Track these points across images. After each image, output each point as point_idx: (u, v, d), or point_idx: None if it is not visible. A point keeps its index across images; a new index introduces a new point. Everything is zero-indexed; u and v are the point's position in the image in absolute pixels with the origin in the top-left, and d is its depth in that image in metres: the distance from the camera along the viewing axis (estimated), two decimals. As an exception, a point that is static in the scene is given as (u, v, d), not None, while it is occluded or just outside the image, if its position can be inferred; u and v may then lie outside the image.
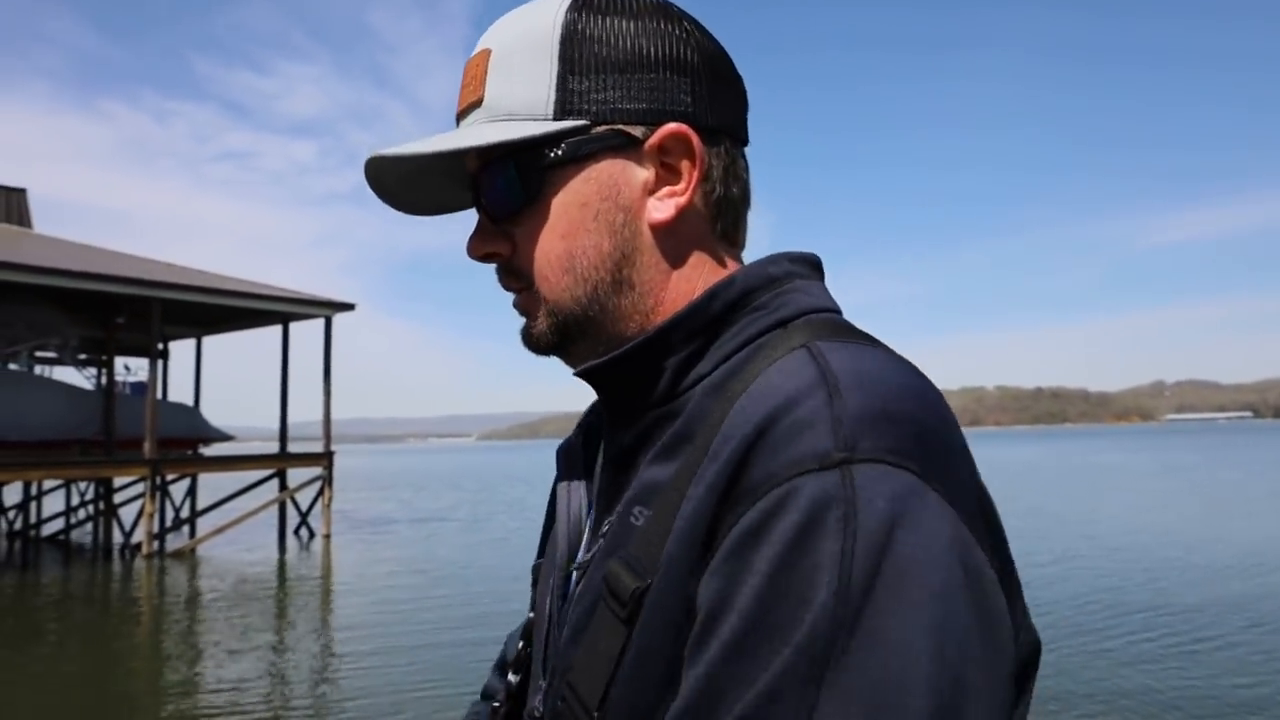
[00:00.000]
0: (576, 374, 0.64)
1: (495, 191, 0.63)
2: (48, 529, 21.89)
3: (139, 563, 16.02)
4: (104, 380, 21.65)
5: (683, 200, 0.62)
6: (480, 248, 0.66)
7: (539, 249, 0.63)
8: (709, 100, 0.63)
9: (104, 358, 22.19)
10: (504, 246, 0.65)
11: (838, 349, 0.54)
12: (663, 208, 0.62)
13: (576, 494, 0.70)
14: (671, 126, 0.61)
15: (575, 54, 0.61)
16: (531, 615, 0.74)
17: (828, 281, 0.67)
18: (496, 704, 0.76)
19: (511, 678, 0.75)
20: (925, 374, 0.56)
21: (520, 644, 0.76)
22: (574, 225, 0.62)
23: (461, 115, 0.65)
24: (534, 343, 0.66)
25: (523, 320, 0.67)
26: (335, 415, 20.54)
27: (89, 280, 15.54)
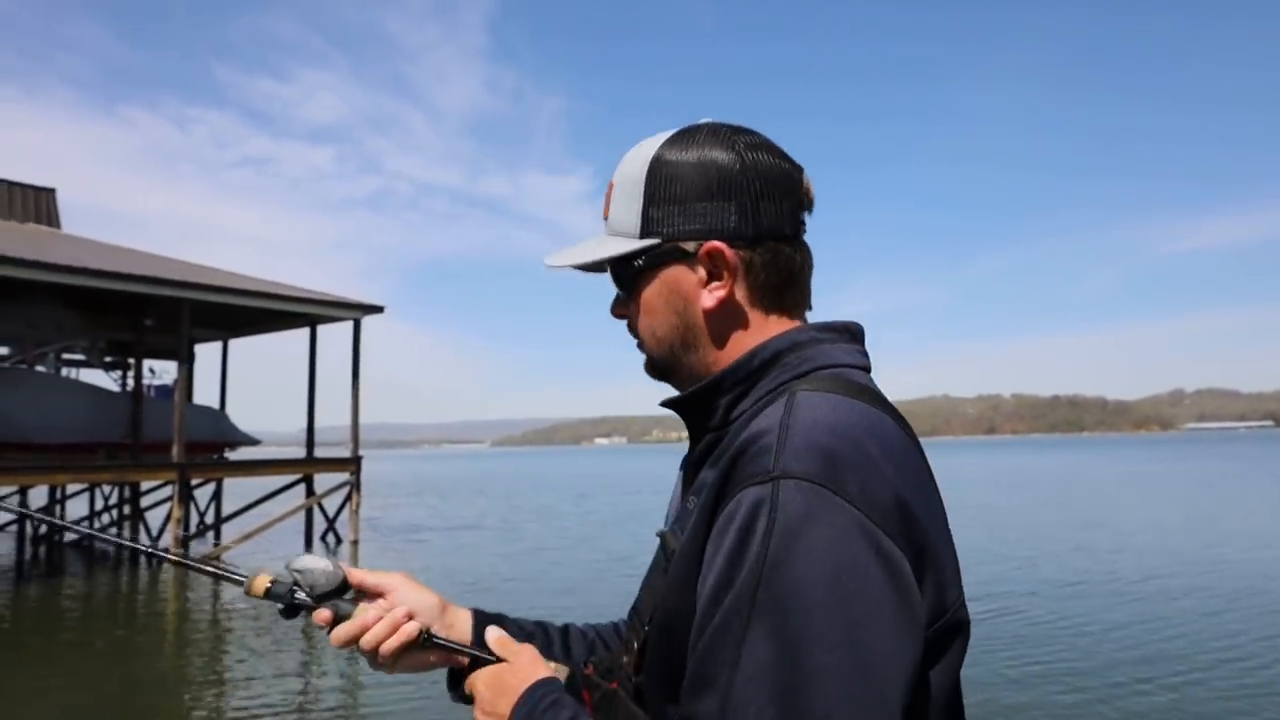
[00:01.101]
0: (662, 404, 0.92)
1: (618, 281, 0.94)
2: (71, 534, 21.54)
3: (166, 569, 15.72)
4: (130, 383, 21.43)
5: (723, 293, 0.87)
6: (616, 311, 0.97)
7: (640, 322, 0.93)
8: (753, 215, 0.86)
9: (130, 360, 21.98)
10: (628, 312, 0.96)
11: (811, 399, 0.78)
12: (710, 298, 0.88)
13: (679, 485, 0.97)
14: (711, 244, 0.86)
15: (654, 189, 0.88)
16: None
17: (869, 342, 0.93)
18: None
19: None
20: (875, 417, 0.79)
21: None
22: (654, 309, 0.91)
23: (605, 218, 0.95)
24: (647, 372, 0.96)
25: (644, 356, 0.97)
26: (342, 421, 20.22)
27: (118, 281, 15.27)
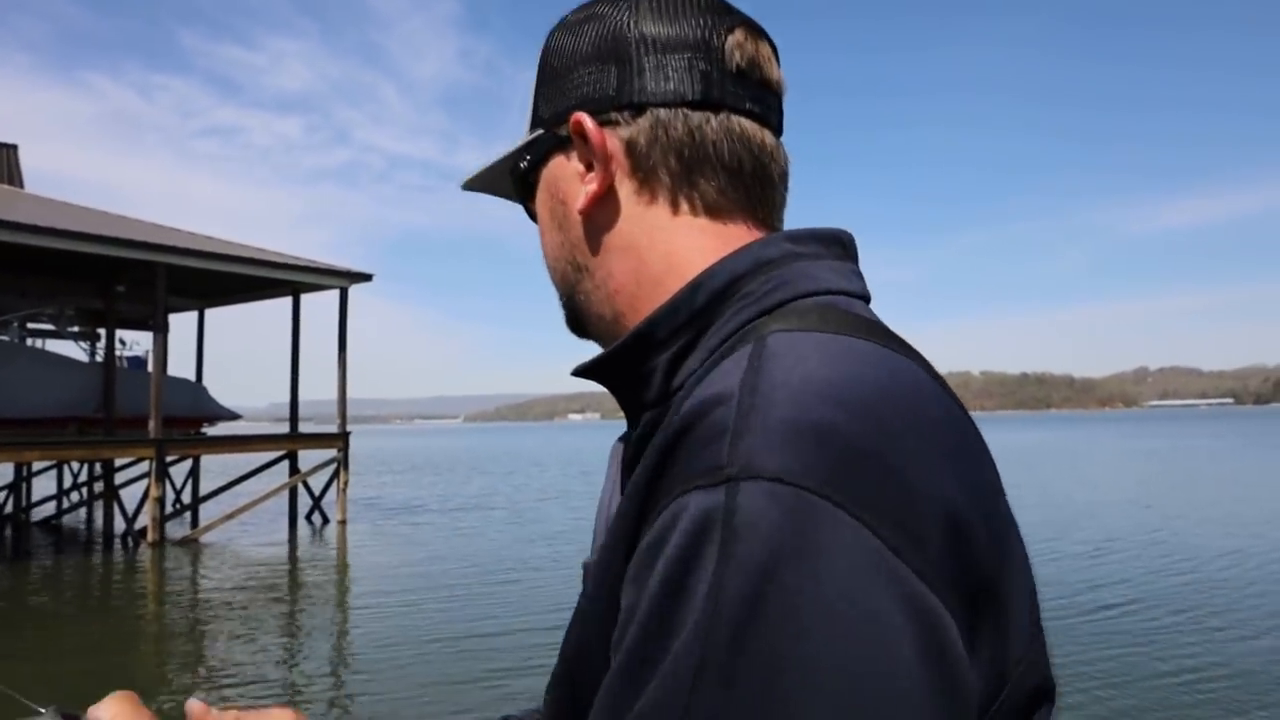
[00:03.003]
0: (574, 373, 0.63)
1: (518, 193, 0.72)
2: (38, 513, 20.53)
3: (143, 551, 14.83)
4: (100, 354, 20.31)
5: (593, 187, 0.62)
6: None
7: (542, 248, 0.70)
8: (635, 74, 0.61)
9: (99, 329, 20.83)
10: None
11: (791, 344, 0.49)
12: (581, 196, 0.63)
13: (615, 483, 0.69)
14: (572, 117, 0.62)
15: (542, 70, 0.67)
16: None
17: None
18: None
19: None
20: (898, 368, 0.50)
21: None
22: (543, 223, 0.68)
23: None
24: (567, 327, 0.70)
25: None
26: (314, 396, 19.30)
27: (89, 243, 14.17)
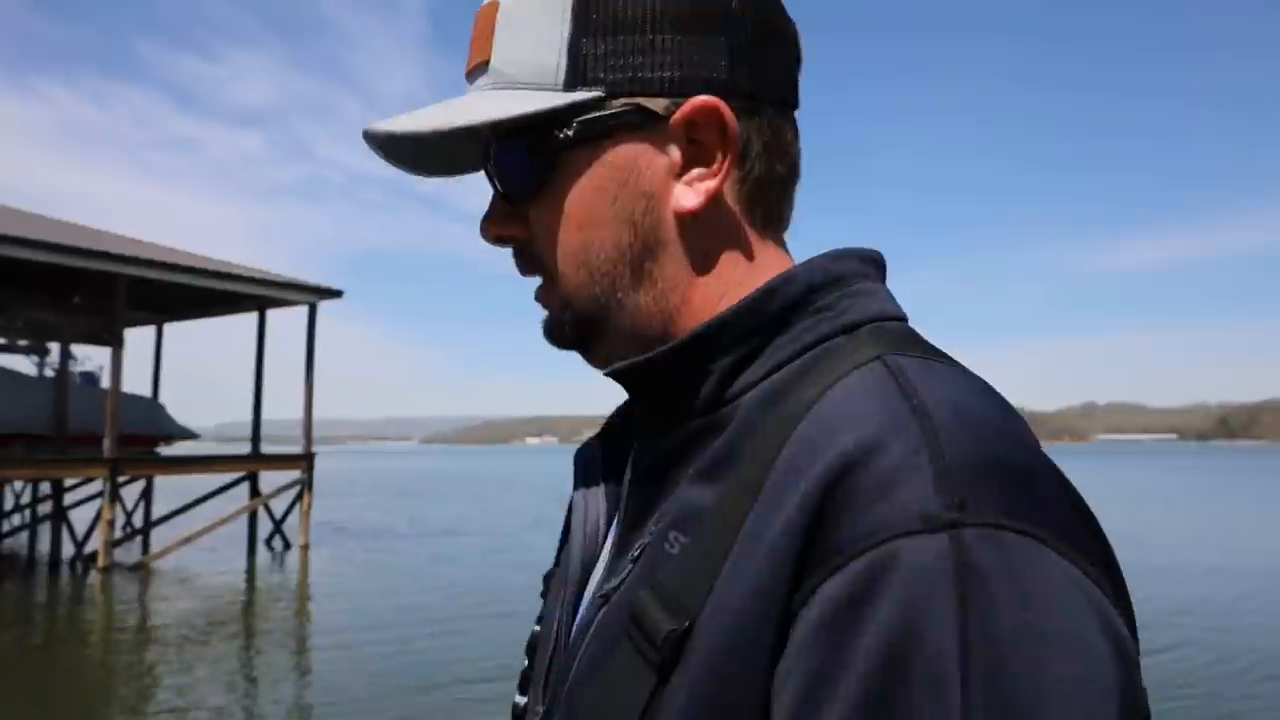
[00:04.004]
0: (607, 374, 0.56)
1: (507, 171, 0.56)
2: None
3: (93, 577, 14.01)
4: (48, 368, 19.41)
5: (713, 185, 0.54)
6: (493, 229, 0.58)
7: (553, 240, 0.56)
8: (750, 62, 0.54)
9: (48, 343, 19.92)
10: (519, 230, 0.58)
11: (920, 370, 0.47)
12: (691, 194, 0.54)
13: (595, 504, 0.63)
14: (700, 100, 0.53)
15: (590, 10, 0.53)
16: (536, 629, 0.65)
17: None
18: None
19: (518, 699, 0.65)
20: (1007, 402, 0.49)
21: (526, 661, 0.66)
22: (589, 214, 0.55)
23: (470, 75, 0.57)
24: (552, 337, 0.60)
25: (544, 312, 0.60)
26: (266, 415, 18.65)
27: (46, 251, 13.48)
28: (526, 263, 0.59)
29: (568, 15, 0.53)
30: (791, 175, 0.58)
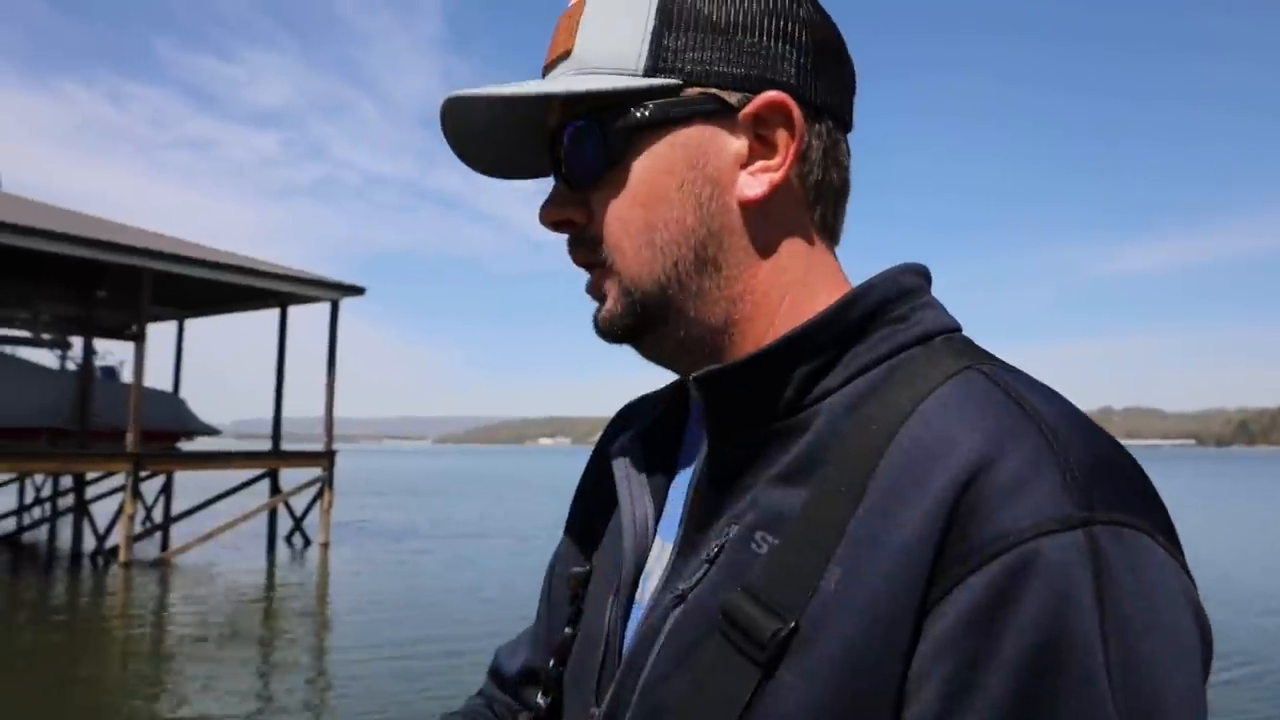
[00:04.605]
0: (696, 379, 0.55)
1: (574, 151, 0.57)
2: (-2, 528, 19.44)
3: (114, 571, 13.96)
4: (70, 362, 19.44)
5: (777, 176, 0.56)
6: (554, 214, 0.60)
7: (617, 217, 0.57)
8: (815, 76, 0.58)
9: (68, 337, 19.94)
10: (580, 214, 0.59)
11: (1013, 379, 0.50)
12: (755, 183, 0.56)
13: (641, 504, 0.63)
14: (771, 94, 0.56)
15: (674, 8, 0.56)
16: (568, 631, 0.66)
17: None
18: None
19: (541, 700, 0.66)
20: None
21: (551, 662, 0.66)
22: (657, 194, 0.57)
23: (548, 69, 0.60)
24: (607, 326, 0.60)
25: (595, 304, 0.61)
26: (284, 413, 18.49)
27: (72, 245, 13.44)
28: (583, 249, 0.60)
29: (652, 11, 0.55)
30: (844, 188, 0.61)
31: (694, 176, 0.56)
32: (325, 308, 18.01)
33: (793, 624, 0.47)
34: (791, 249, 0.58)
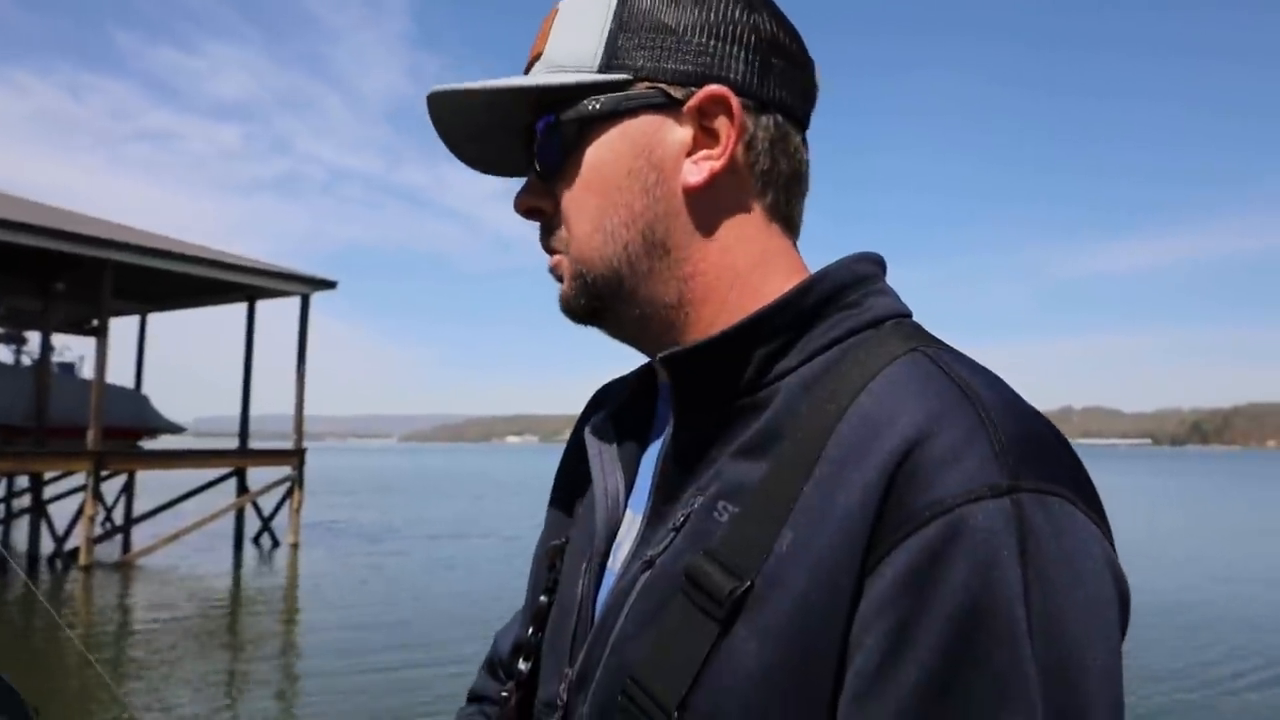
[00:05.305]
0: (660, 359, 0.61)
1: (541, 144, 0.63)
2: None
3: (74, 574, 13.43)
4: (25, 357, 18.74)
5: (717, 165, 0.60)
6: (525, 202, 0.65)
7: (573, 202, 0.62)
8: (762, 74, 0.61)
9: (24, 331, 19.23)
10: (547, 203, 0.65)
11: (955, 361, 0.54)
12: (697, 170, 0.60)
13: (613, 477, 0.67)
14: (712, 88, 0.60)
15: (630, 13, 0.61)
16: (544, 600, 0.70)
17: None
18: (505, 694, 0.71)
19: (523, 665, 0.70)
20: None
21: (529, 630, 0.70)
22: (607, 181, 0.61)
23: (527, 69, 0.65)
24: (565, 306, 0.65)
25: (559, 287, 0.66)
26: (237, 410, 17.98)
27: (31, 235, 12.89)
28: (547, 235, 0.65)
29: (610, 15, 0.61)
30: (796, 178, 0.64)
31: (641, 164, 0.60)
32: (292, 302, 17.58)
33: (748, 583, 0.51)
34: (740, 233, 0.61)
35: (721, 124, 0.59)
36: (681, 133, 0.60)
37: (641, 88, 0.60)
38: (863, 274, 0.61)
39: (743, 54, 0.60)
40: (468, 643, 9.04)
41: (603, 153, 0.61)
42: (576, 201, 0.62)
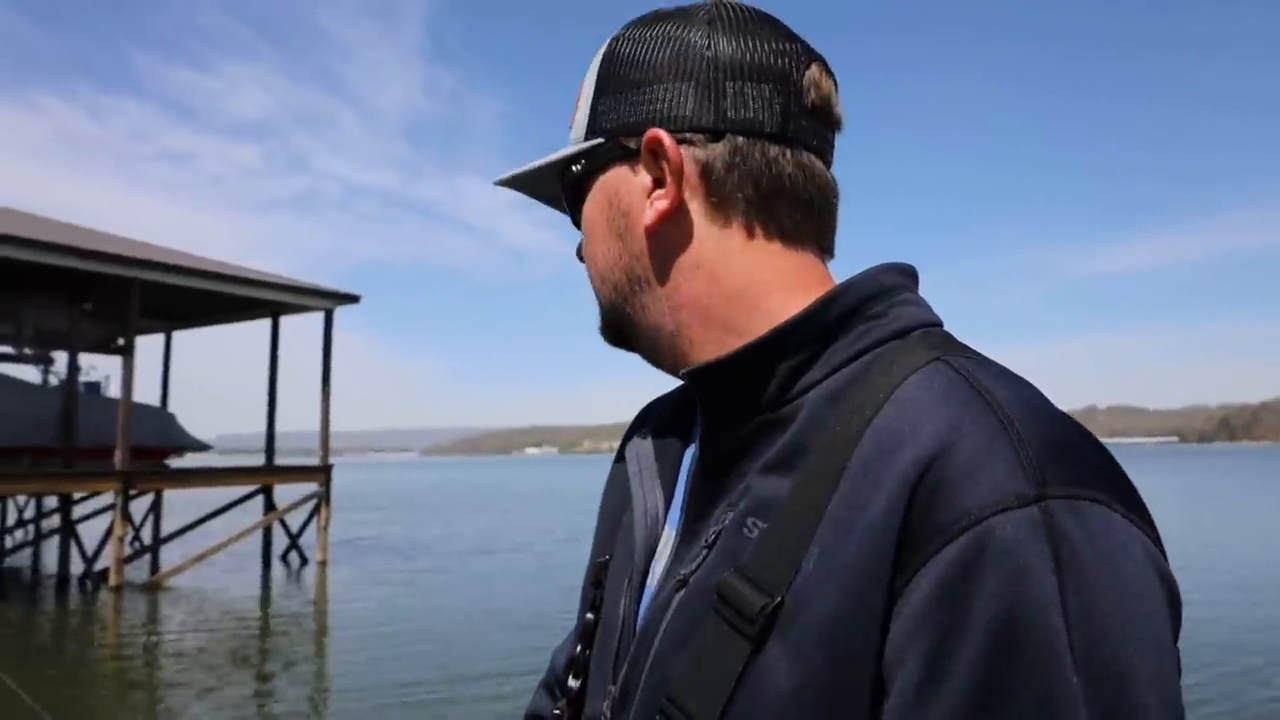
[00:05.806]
0: (683, 374, 0.63)
1: (566, 204, 0.72)
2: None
3: (104, 596, 13.33)
4: (52, 377, 18.75)
5: (663, 204, 0.62)
6: (579, 251, 0.72)
7: (586, 251, 0.70)
8: (715, 101, 0.62)
9: (52, 351, 19.25)
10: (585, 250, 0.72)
11: (978, 368, 0.54)
12: (650, 211, 0.63)
13: (652, 495, 0.68)
14: (649, 133, 0.62)
15: (605, 78, 0.66)
16: (590, 617, 0.71)
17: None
18: (557, 711, 0.72)
19: (573, 682, 0.71)
20: None
21: (579, 647, 0.72)
22: (596, 230, 0.68)
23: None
24: (602, 336, 0.71)
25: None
26: (261, 428, 17.87)
27: (59, 254, 12.85)
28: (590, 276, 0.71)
29: (594, 83, 0.67)
30: (781, 192, 0.62)
31: (613, 213, 0.65)
32: (313, 318, 17.49)
33: (779, 599, 0.51)
34: (724, 258, 0.62)
35: (664, 164, 0.62)
36: (643, 178, 0.63)
37: (609, 145, 0.65)
38: (889, 285, 0.61)
39: (691, 88, 0.62)
40: (505, 662, 8.80)
41: (591, 206, 0.67)
42: (587, 249, 0.69)
